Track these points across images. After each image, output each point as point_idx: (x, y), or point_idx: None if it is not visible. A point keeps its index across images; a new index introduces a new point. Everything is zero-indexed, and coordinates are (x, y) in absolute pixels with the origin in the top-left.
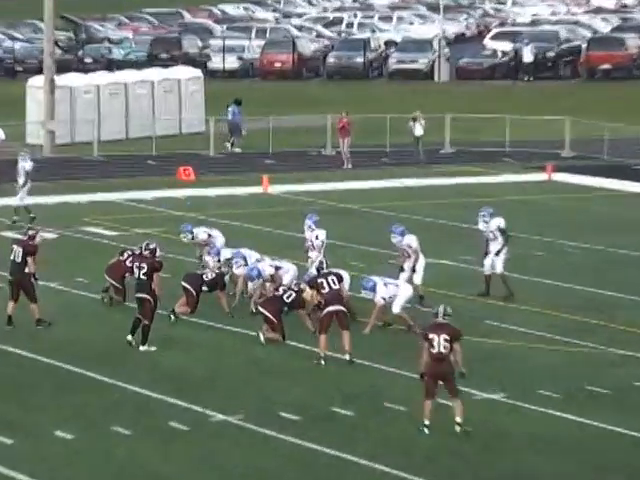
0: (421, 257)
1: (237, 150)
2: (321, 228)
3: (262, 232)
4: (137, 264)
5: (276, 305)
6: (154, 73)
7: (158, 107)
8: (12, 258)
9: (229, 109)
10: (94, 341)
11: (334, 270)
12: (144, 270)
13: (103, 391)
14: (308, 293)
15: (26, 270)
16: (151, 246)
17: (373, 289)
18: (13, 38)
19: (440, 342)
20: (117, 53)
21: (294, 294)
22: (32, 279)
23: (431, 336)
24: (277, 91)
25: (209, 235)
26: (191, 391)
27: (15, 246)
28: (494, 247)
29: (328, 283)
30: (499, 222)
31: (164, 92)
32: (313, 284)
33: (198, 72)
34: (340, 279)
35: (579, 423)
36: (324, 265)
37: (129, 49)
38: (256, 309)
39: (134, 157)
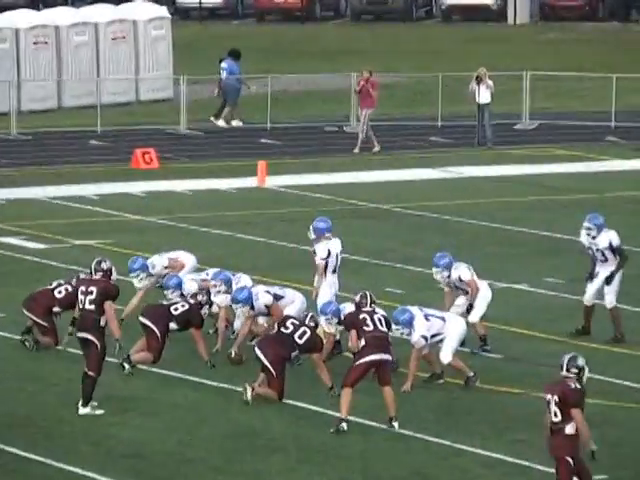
0: (484, 288)
1: (237, 124)
2: (334, 237)
3: (256, 245)
4: (83, 288)
5: (281, 349)
6: (98, 13)
7: (105, 63)
8: None
9: (222, 65)
10: (15, 402)
11: (380, 310)
12: (92, 296)
13: (28, 473)
14: (323, 329)
15: None
16: (104, 265)
17: (409, 324)
18: None
19: (552, 406)
20: None
21: (309, 332)
22: None
23: (548, 397)
24: (279, 38)
25: (170, 259)
26: (154, 473)
27: None
28: (604, 271)
29: (373, 321)
30: (611, 238)
31: (113, 40)
32: (351, 322)
33: (163, 11)
34: (388, 323)
35: None
36: (367, 300)
37: None
38: (235, 354)
39: (70, 135)
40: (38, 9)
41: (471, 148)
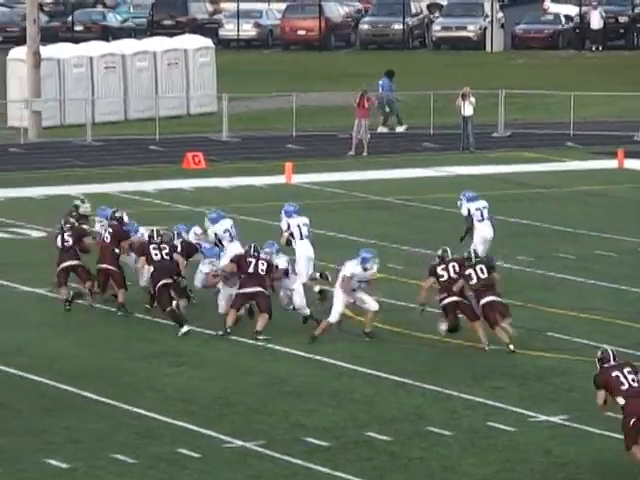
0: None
1: (386, 130)
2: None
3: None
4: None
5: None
6: (156, 43)
7: (161, 83)
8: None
9: (380, 82)
10: (89, 355)
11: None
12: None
13: (101, 413)
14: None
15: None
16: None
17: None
18: None
19: None
20: (113, 19)
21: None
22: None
23: None
24: (301, 63)
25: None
26: (203, 413)
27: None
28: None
29: (476, 272)
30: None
31: (168, 65)
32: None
33: (208, 41)
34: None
35: None
36: (472, 255)
37: (127, 14)
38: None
39: (134, 142)
40: (108, 41)
41: (457, 152)
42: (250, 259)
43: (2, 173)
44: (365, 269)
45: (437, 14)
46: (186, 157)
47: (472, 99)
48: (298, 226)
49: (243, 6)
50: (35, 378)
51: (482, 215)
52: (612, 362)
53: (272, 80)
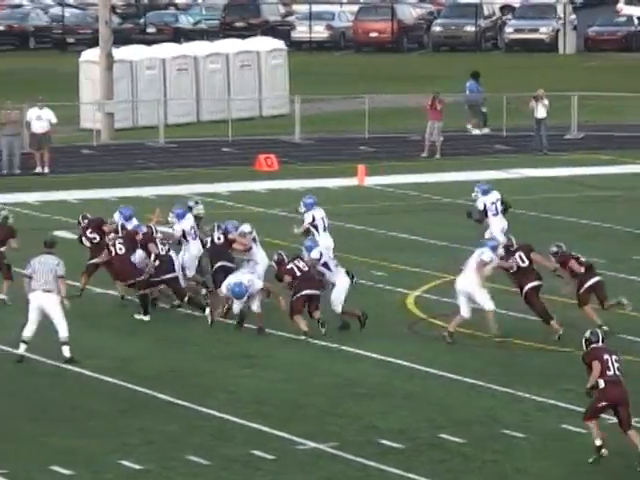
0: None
1: (478, 132)
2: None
3: (354, 231)
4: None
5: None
6: (228, 45)
7: (234, 85)
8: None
9: (466, 85)
10: (163, 357)
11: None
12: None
13: (175, 414)
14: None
15: None
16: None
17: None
18: (62, 4)
19: None
20: (185, 21)
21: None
22: None
23: None
24: (373, 65)
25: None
26: (276, 415)
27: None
28: None
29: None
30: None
31: (240, 67)
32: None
33: (280, 43)
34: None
35: None
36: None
37: (199, 16)
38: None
39: (206, 143)
40: (180, 43)
41: (530, 154)
42: (298, 263)
43: (75, 175)
44: (497, 255)
45: (509, 16)
46: (258, 159)
47: (545, 101)
48: (322, 219)
49: (315, 8)
50: (110, 380)
51: (496, 209)
52: (600, 344)
53: (344, 82)
